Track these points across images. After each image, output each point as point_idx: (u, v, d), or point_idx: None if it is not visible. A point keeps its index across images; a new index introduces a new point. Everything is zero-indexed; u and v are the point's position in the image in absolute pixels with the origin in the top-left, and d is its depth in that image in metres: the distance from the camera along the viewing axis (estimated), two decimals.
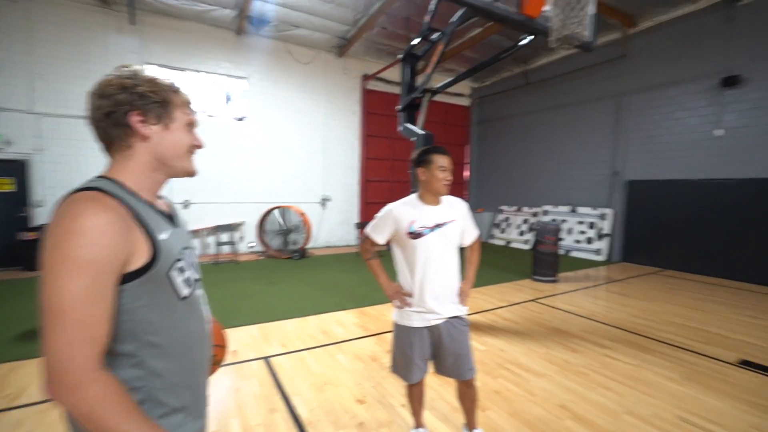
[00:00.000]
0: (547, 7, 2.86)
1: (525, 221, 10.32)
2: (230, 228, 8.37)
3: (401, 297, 1.89)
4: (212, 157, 8.18)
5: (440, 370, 1.98)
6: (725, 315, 4.65)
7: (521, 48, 3.53)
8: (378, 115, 10.27)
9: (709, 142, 6.94)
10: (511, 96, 11.07)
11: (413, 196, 1.94)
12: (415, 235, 1.82)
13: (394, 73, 9.94)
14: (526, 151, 10.67)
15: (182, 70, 7.94)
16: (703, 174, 7.00)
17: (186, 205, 8.02)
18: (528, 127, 10.59)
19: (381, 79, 10.18)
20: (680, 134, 7.34)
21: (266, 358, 3.29)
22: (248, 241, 8.78)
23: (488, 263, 7.83)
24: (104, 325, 0.72)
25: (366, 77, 10.00)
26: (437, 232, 1.84)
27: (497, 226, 11.17)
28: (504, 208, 11.22)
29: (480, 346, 3.60)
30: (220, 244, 7.97)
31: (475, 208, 12.25)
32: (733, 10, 6.61)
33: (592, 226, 8.69)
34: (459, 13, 3.09)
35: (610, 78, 8.49)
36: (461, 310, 1.95)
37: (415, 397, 2.07)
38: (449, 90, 11.51)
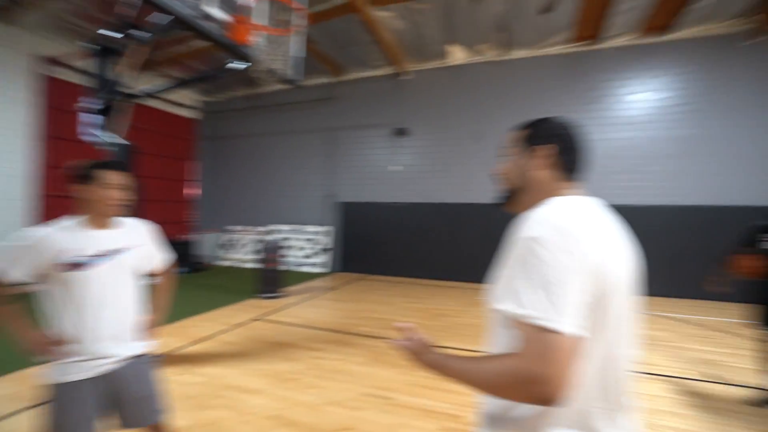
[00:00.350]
0: (255, 38, 3.05)
1: (254, 240, 10.45)
2: None
3: (54, 346, 1.47)
4: None
5: (123, 422, 1.66)
6: (400, 304, 6.20)
7: (236, 71, 3.59)
8: (70, 113, 7.92)
9: (391, 174, 9.20)
10: (241, 116, 11.11)
11: (74, 219, 1.57)
12: (75, 266, 1.48)
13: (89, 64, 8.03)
14: (255, 171, 10.91)
15: None
16: (389, 198, 9.19)
17: None
18: (257, 148, 10.90)
19: (74, 68, 8.01)
20: (374, 166, 9.39)
21: None
22: None
23: (214, 286, 7.44)
24: None
25: (48, 60, 7.62)
26: (109, 260, 1.56)
27: (225, 246, 10.81)
28: (232, 227, 11.00)
29: (195, 379, 3.32)
30: None
31: (204, 229, 11.43)
32: (397, 81, 9.12)
33: (315, 242, 9.76)
34: (161, 17, 2.82)
35: (324, 114, 9.95)
36: (144, 347, 1.71)
37: None
38: (175, 100, 10.42)
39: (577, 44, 7.57)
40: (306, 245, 9.81)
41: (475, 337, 4.55)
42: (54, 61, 7.70)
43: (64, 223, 1.54)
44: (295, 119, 10.34)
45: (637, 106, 7.27)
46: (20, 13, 6.72)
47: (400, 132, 8.96)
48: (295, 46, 3.52)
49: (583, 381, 0.77)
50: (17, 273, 1.44)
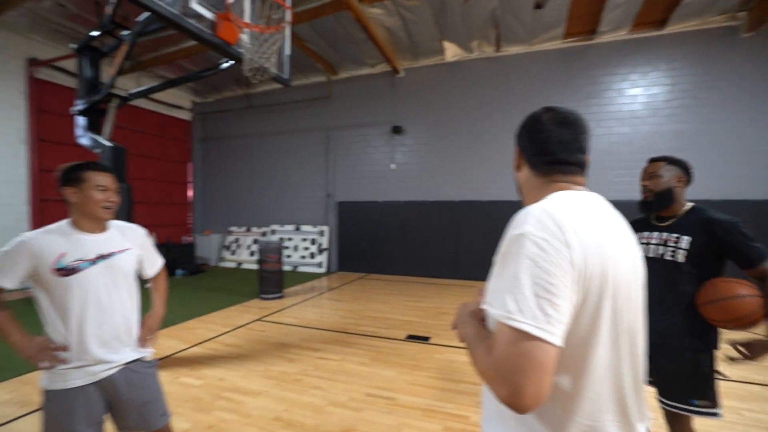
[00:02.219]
0: (243, 37, 3.01)
1: (255, 241, 10.41)
2: None
3: (49, 353, 1.44)
4: None
5: (123, 426, 1.63)
6: (401, 303, 6.17)
7: (227, 70, 3.56)
8: (59, 115, 7.90)
9: (388, 173, 9.15)
10: (235, 116, 11.05)
11: (64, 223, 1.54)
12: (68, 271, 1.44)
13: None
14: (252, 172, 10.85)
15: None
16: (386, 197, 9.15)
17: None
18: (253, 149, 10.84)
19: (64, 71, 7.95)
20: (370, 165, 9.35)
21: None
22: None
23: (215, 288, 7.39)
24: None
25: (34, 62, 7.55)
26: (101, 264, 1.53)
27: (227, 248, 10.76)
28: (233, 229, 10.95)
29: (196, 381, 3.29)
30: None
31: (201, 230, 11.37)
32: (394, 79, 9.07)
33: (313, 242, 9.72)
34: (144, 15, 2.79)
35: (320, 113, 9.89)
36: (142, 352, 1.68)
37: None
38: (166, 100, 10.35)
39: (572, 39, 7.54)
40: (304, 245, 9.77)
41: None
42: (42, 64, 7.62)
43: (53, 227, 1.51)
44: (291, 119, 10.28)
45: (634, 101, 7.25)
46: (8, 15, 6.63)
47: (396, 130, 8.92)
48: (283, 43, 3.48)
49: (589, 391, 0.73)
50: (7, 281, 1.40)
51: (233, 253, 10.60)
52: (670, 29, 6.95)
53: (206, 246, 10.85)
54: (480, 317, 0.88)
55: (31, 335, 1.48)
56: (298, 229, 9.99)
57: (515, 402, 0.63)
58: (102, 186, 1.51)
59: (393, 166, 9.08)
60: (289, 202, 10.29)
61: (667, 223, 1.82)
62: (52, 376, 1.46)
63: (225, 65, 3.26)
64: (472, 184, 8.32)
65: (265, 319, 5.32)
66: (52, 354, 1.44)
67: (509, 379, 0.64)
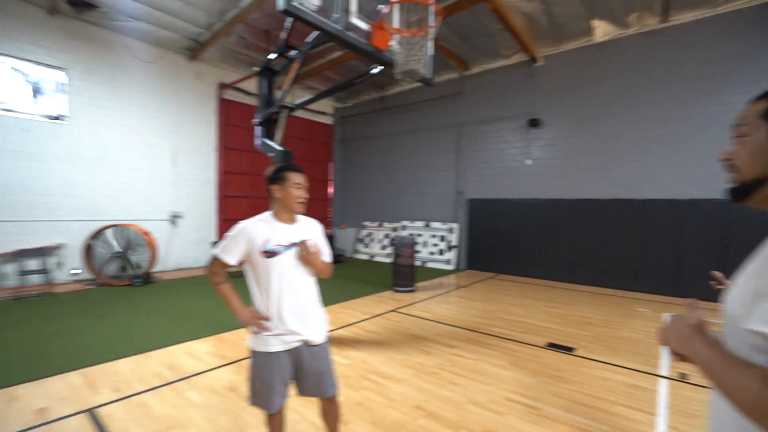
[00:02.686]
0: (393, 43, 3.20)
1: (386, 236, 11.02)
2: (41, 252, 6.66)
3: (258, 322, 1.79)
4: (12, 162, 6.46)
5: (303, 391, 1.94)
6: (539, 308, 5.78)
7: (372, 76, 3.84)
8: (237, 127, 9.69)
9: (522, 168, 8.63)
10: (370, 118, 11.83)
11: (267, 214, 1.89)
12: (270, 253, 1.77)
13: (254, 85, 9.58)
14: (385, 169, 11.48)
15: None
16: (520, 194, 8.65)
17: None
18: (385, 147, 11.45)
19: (240, 90, 9.68)
20: (503, 161, 8.95)
21: (91, 410, 2.69)
22: (71, 268, 7.14)
23: (352, 277, 8.06)
24: None
25: (223, 86, 9.37)
26: (293, 250, 1.82)
27: (361, 241, 11.65)
28: (367, 223, 11.78)
29: (344, 360, 3.66)
30: (24, 273, 6.27)
31: (339, 224, 12.53)
32: (532, 69, 8.46)
33: (442, 239, 9.81)
34: (313, 35, 3.20)
35: (451, 110, 9.87)
36: (321, 335, 1.93)
37: (276, 425, 1.97)
38: (312, 108, 11.69)
39: None
40: (433, 241, 9.93)
41: (634, 354, 3.95)
42: (228, 86, 9.39)
43: (260, 217, 1.86)
44: (423, 117, 10.53)
45: None
46: (205, 51, 8.37)
47: (533, 123, 8.33)
48: (428, 45, 3.57)
49: None
50: (231, 258, 1.79)
51: (366, 246, 11.42)
52: None
53: (343, 238, 11.94)
54: (708, 334, 0.77)
55: (245, 305, 1.85)
56: (427, 225, 10.21)
57: None
58: (299, 184, 1.82)
59: (528, 161, 8.53)
60: (420, 198, 10.57)
61: None
62: (257, 340, 1.81)
63: (374, 71, 3.53)
64: (625, 181, 7.24)
65: (399, 310, 5.59)
66: (259, 322, 1.78)
67: None
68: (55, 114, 7.02)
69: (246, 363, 3.55)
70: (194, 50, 8.47)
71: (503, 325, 4.92)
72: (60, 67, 7.03)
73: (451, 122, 9.86)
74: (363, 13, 2.98)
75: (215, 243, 8.94)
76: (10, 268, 6.45)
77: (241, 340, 4.19)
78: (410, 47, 3.10)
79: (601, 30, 7.34)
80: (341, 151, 12.84)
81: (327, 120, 12.59)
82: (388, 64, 3.29)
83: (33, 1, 6.58)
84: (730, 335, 0.75)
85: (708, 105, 6.48)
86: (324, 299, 6.16)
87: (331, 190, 12.82)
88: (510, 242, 8.74)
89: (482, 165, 9.32)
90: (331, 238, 11.08)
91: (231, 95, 9.62)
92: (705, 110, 6.51)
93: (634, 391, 3.11)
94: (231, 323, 4.72)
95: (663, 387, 3.16)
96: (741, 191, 0.81)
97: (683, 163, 6.70)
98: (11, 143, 6.46)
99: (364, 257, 11.29)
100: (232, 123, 9.64)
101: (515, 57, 8.61)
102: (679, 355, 0.81)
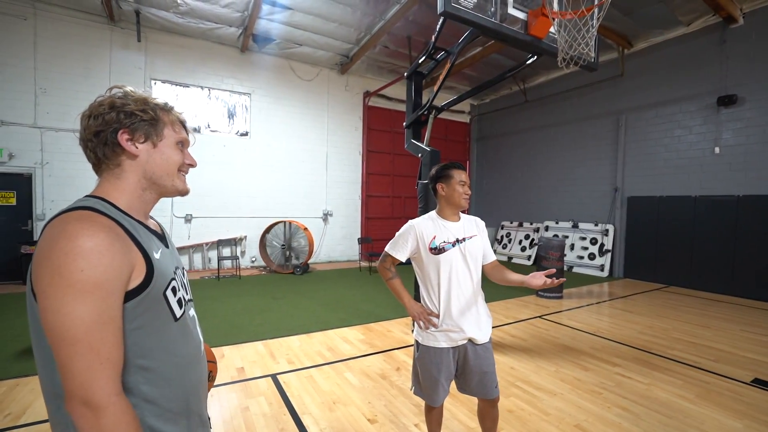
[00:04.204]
0: (553, 29, 2.94)
1: (526, 236, 10.33)
2: (232, 242, 8.33)
3: (427, 318, 1.85)
4: (215, 172, 8.21)
5: (464, 389, 1.94)
6: (734, 332, 4.63)
7: (526, 67, 3.61)
8: (379, 131, 10.38)
9: (706, 159, 7.03)
10: (510, 113, 11.23)
11: (433, 213, 1.94)
12: (438, 250, 1.82)
13: (394, 91, 10.12)
14: (526, 166, 10.76)
15: (186, 86, 8.04)
16: (701, 190, 7.07)
17: (188, 219, 8.00)
18: (527, 143, 10.71)
19: (382, 96, 10.32)
20: (678, 151, 7.44)
21: (274, 376, 3.23)
22: (250, 256, 8.74)
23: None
24: (119, 347, 0.72)
25: (367, 94, 10.14)
26: (459, 247, 1.84)
27: (499, 241, 11.18)
28: (505, 223, 11.24)
29: None
30: (221, 258, 7.93)
31: None
32: (725, 33, 6.79)
33: (594, 241, 8.71)
34: (466, 33, 3.17)
35: (608, 96, 8.65)
36: (486, 334, 1.90)
37: (435, 418, 2.02)
38: (452, 107, 11.71)
39: None
40: (582, 244, 8.89)
41: None
42: (372, 94, 10.12)
43: (426, 216, 1.93)
44: (571, 107, 9.51)
45: None
46: (353, 64, 9.18)
47: (726, 101, 6.68)
48: (594, 24, 3.18)
49: None
50: (401, 255, 1.90)
51: (504, 247, 10.90)
52: None
53: None
54: None
55: (415, 300, 1.95)
56: (575, 226, 9.20)
57: None
58: (463, 181, 1.83)
59: (717, 149, 6.89)
60: (567, 197, 9.59)
61: None
62: (426, 334, 1.88)
63: (530, 61, 3.32)
64: None
65: (545, 317, 5.17)
66: (428, 318, 1.85)
67: None
68: (243, 131, 8.69)
69: (393, 354, 3.77)
70: (344, 65, 9.39)
71: (684, 348, 4.08)
72: (247, 93, 8.65)
73: (608, 110, 8.65)
74: (519, 1, 2.83)
75: (361, 239, 9.77)
76: (212, 254, 8.24)
77: (388, 332, 4.45)
78: (576, 29, 2.80)
79: None
80: (478, 149, 12.55)
81: (464, 118, 12.47)
82: (548, 53, 3.05)
83: (230, 43, 8.25)
84: None
85: None
86: None
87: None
88: (684, 248, 7.22)
89: (648, 157, 7.92)
90: None
91: (374, 102, 10.34)
92: None
93: None
94: (377, 314, 5.07)
95: None
96: None
97: None
98: (214, 156, 8.22)
99: (502, 258, 10.80)
100: (375, 128, 10.36)
101: (699, 21, 7.05)
102: None
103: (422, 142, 4.31)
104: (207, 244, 8.19)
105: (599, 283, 7.71)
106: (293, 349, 3.85)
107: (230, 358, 3.58)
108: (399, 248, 1.89)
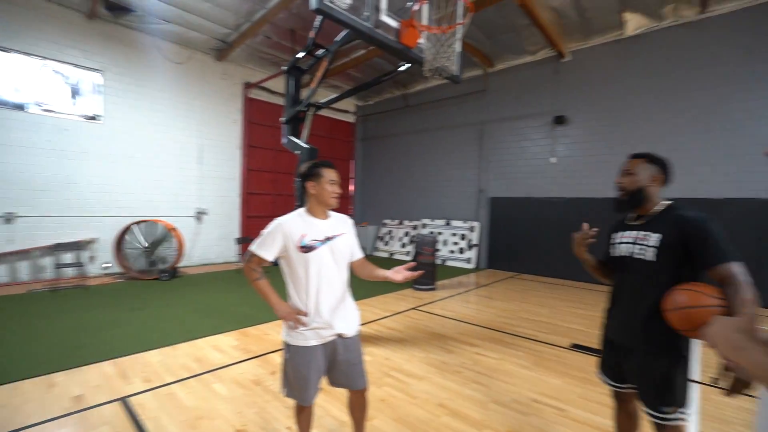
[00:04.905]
0: (421, 40, 3.18)
1: (406, 234, 11.00)
2: (76, 246, 6.96)
3: (296, 317, 1.82)
4: (53, 162, 6.76)
5: (335, 382, 1.97)
6: (562, 309, 5.66)
7: (400, 73, 3.83)
8: (261, 126, 9.86)
9: (546, 167, 8.46)
10: (392, 116, 11.82)
11: (301, 210, 1.92)
12: (307, 248, 1.80)
13: (278, 84, 9.73)
14: (406, 168, 11.46)
15: (6, 50, 6.40)
16: (543, 193, 8.48)
17: (9, 218, 6.42)
18: (407, 146, 11.42)
19: (264, 89, 9.84)
20: (526, 160, 8.79)
21: (124, 399, 2.80)
22: (102, 262, 7.44)
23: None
24: None
25: (248, 85, 9.55)
26: (327, 245, 1.85)
27: (381, 239, 11.67)
28: (387, 221, 11.79)
29: (366, 357, 3.64)
30: (60, 266, 6.56)
31: (359, 222, 12.59)
32: (558, 65, 8.27)
33: (463, 237, 9.72)
34: (343, 33, 3.22)
35: (474, 108, 9.75)
36: (355, 328, 1.96)
37: (306, 417, 2.00)
38: (334, 106, 11.75)
39: None
40: (454, 240, 9.85)
41: None
42: (253, 86, 9.56)
43: (295, 213, 1.89)
44: (445, 115, 10.44)
45: None
46: (232, 51, 8.54)
47: (559, 120, 8.14)
48: (456, 41, 3.53)
49: None
50: (269, 254, 1.82)
51: (386, 243, 11.43)
52: None
53: (363, 236, 11.98)
54: (763, 339, 0.73)
55: (283, 300, 1.88)
56: (448, 224, 10.14)
57: None
58: (333, 180, 1.84)
59: (553, 159, 8.34)
60: (441, 197, 10.51)
61: (640, 222, 1.74)
62: (295, 334, 1.84)
63: (402, 68, 3.52)
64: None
65: (420, 308, 5.58)
66: (298, 317, 1.81)
67: None
68: (91, 114, 7.32)
69: (269, 358, 3.62)
70: (222, 51, 8.67)
71: (527, 325, 4.84)
72: (97, 69, 7.31)
73: (474, 120, 9.75)
74: (392, 10, 2.98)
75: (239, 239, 9.14)
76: (47, 261, 6.77)
77: (265, 335, 4.26)
78: (439, 44, 3.07)
79: (634, 23, 7.09)
80: (363, 150, 12.88)
81: (349, 118, 12.65)
82: (417, 62, 3.28)
83: (72, 6, 6.87)
84: None
85: (748, 99, 6.17)
86: None
87: (352, 187, 12.89)
88: (532, 241, 8.58)
89: (505, 163, 9.18)
90: None
91: (256, 94, 9.79)
92: (744, 105, 6.21)
93: None
94: (254, 318, 4.81)
95: (695, 391, 3.04)
96: None
97: (718, 161, 6.42)
98: (50, 142, 6.76)
99: (384, 255, 11.30)
100: (257, 121, 9.81)
101: (541, 53, 8.43)
102: (731, 363, 0.76)
103: (301, 139, 4.23)
104: (38, 249, 6.70)
105: (467, 274, 8.64)
106: (152, 366, 3.40)
107: (63, 387, 2.97)
108: (266, 247, 1.82)
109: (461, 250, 9.64)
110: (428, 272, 6.66)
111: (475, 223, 9.60)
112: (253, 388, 3.02)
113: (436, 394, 2.98)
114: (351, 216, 12.67)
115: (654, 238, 1.62)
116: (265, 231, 1.85)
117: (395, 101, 11.63)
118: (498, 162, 9.30)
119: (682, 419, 1.59)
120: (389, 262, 10.15)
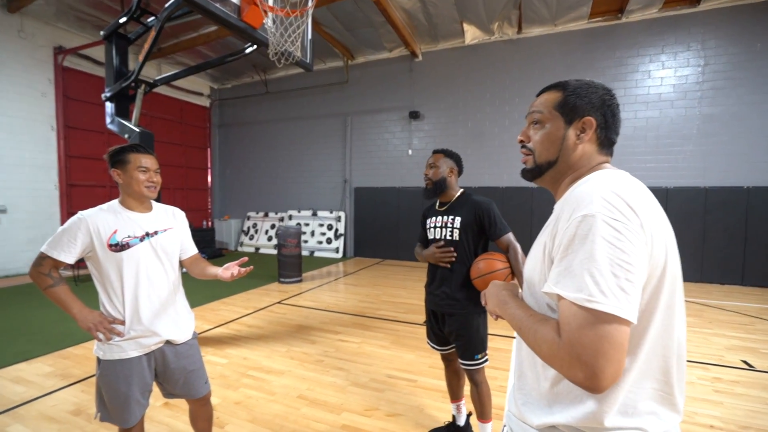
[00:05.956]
0: (267, 21, 3.01)
1: (272, 226, 10.57)
2: None
3: (106, 326, 1.52)
4: None
5: (171, 393, 1.75)
6: (418, 289, 6.21)
7: (246, 55, 3.58)
8: (84, 103, 8.11)
9: (404, 158, 9.12)
10: (253, 102, 11.10)
11: (114, 202, 1.63)
12: (120, 246, 1.52)
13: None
14: (270, 158, 10.94)
15: None
16: (402, 183, 9.13)
17: None
18: (271, 134, 10.91)
19: (87, 58, 8.11)
20: (387, 151, 9.32)
21: None
22: None
23: None
24: None
25: (61, 50, 7.71)
26: (149, 241, 1.60)
27: (245, 232, 10.96)
28: (251, 214, 11.13)
29: (221, 360, 3.41)
30: None
31: (221, 216, 11.59)
32: (412, 64, 8.94)
33: (330, 227, 9.81)
34: (171, 0, 2.81)
35: (337, 99, 9.85)
36: (187, 333, 1.75)
37: None
38: (185, 87, 10.47)
39: (598, 19, 7.27)
40: (321, 230, 9.87)
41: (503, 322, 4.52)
42: (69, 52, 7.77)
43: (105, 206, 1.59)
44: (308, 104, 10.28)
45: (663, 83, 6.98)
46: (34, 4, 6.75)
47: (414, 115, 8.83)
48: (306, 28, 3.46)
49: (644, 362, 0.74)
50: (67, 256, 1.48)
51: (251, 237, 10.79)
52: (705, 6, 6.61)
53: (225, 231, 11.07)
54: (520, 298, 0.89)
55: (90, 308, 1.56)
56: (315, 214, 10.09)
57: (594, 384, 0.64)
58: (144, 167, 1.58)
59: (410, 152, 9.03)
60: (307, 187, 10.37)
61: (444, 208, 2.11)
62: (108, 347, 1.55)
63: (249, 50, 3.27)
64: (492, 170, 8.22)
65: (285, 302, 5.43)
66: (109, 326, 1.52)
67: (589, 363, 0.63)
68: None
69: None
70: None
71: (387, 307, 5.16)
72: None
73: (338, 111, 9.85)
74: None
75: None
76: None
77: (90, 354, 3.55)
78: (286, 28, 2.94)
79: (471, 34, 8.08)
80: (221, 137, 11.80)
81: (202, 101, 11.40)
82: (263, 44, 3.08)
83: None
84: (529, 298, 0.88)
85: None
86: (200, 297, 5.64)
87: (210, 178, 11.72)
88: (394, 229, 9.19)
89: (368, 154, 9.55)
90: (210, 231, 10.15)
91: (75, 63, 7.99)
92: None
93: (493, 352, 3.56)
94: (77, 335, 3.99)
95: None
96: (534, 172, 0.94)
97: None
98: None
99: (250, 250, 10.66)
100: (78, 98, 8.04)
101: (397, 51, 8.96)
102: (497, 315, 0.94)
103: (131, 122, 3.61)
104: None
105: (335, 263, 8.78)
106: None
107: None
108: (63, 247, 1.49)
109: (329, 240, 9.72)
110: (294, 264, 6.53)
111: (341, 213, 9.79)
112: (71, 420, 2.50)
113: (295, 386, 2.94)
114: (210, 209, 11.56)
115: (457, 221, 2.03)
116: (62, 227, 1.51)
117: (255, 86, 10.93)
118: (362, 153, 9.62)
119: (486, 360, 2.07)
120: (255, 257, 9.61)
